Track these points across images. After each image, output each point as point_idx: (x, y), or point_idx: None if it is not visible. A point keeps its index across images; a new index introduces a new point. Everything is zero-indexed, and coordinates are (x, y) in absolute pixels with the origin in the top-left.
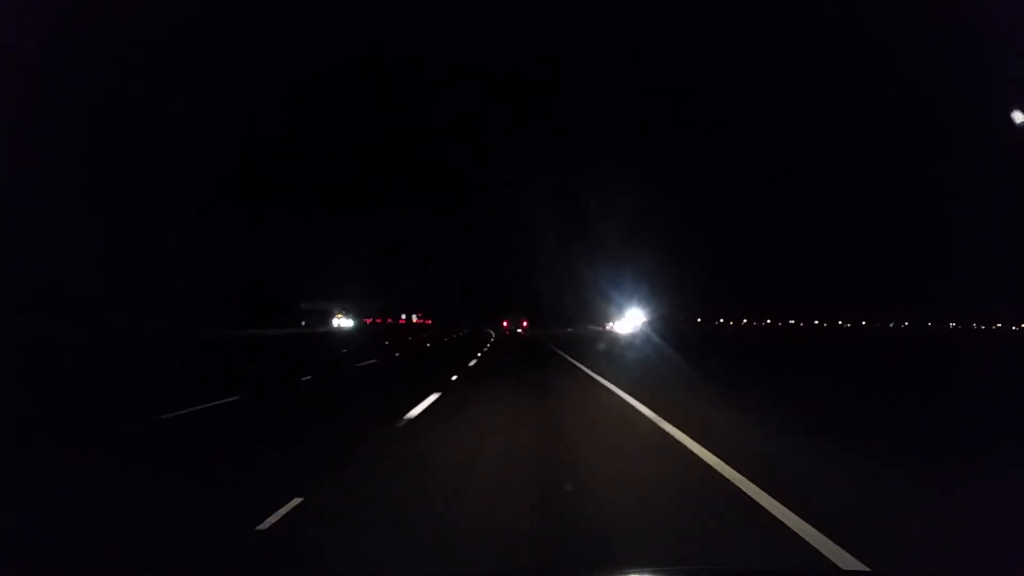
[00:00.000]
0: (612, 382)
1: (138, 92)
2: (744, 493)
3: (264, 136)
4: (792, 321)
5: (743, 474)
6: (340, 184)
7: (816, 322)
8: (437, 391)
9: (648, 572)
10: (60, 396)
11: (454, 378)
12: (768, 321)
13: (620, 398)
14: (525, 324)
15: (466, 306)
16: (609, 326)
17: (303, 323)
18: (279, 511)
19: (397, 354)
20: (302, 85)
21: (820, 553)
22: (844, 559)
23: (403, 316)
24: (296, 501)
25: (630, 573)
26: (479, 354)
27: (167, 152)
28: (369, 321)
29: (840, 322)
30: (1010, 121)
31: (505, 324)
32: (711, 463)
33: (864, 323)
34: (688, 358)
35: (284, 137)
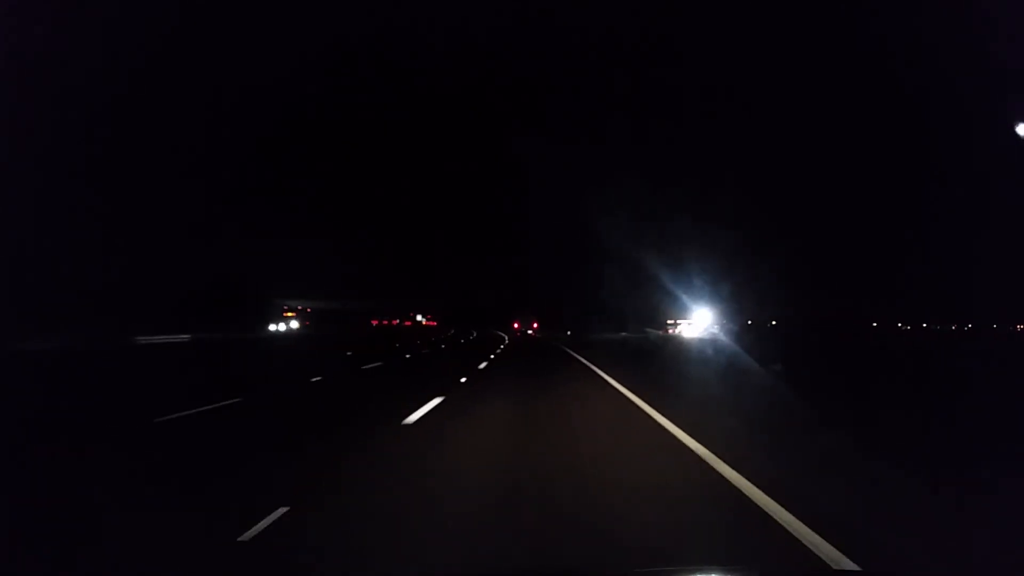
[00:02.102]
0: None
1: (130, 90)
2: None
3: (265, 136)
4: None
5: None
6: (344, 184)
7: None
8: None
9: (648, 572)
10: None
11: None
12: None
13: None
14: (536, 326)
15: (476, 307)
16: (673, 331)
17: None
18: None
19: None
20: (305, 86)
21: None
22: None
23: (414, 317)
24: None
25: (630, 573)
26: (463, 379)
27: (164, 152)
28: (376, 323)
29: (900, 324)
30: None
31: (516, 325)
32: None
33: (924, 324)
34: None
35: (286, 136)
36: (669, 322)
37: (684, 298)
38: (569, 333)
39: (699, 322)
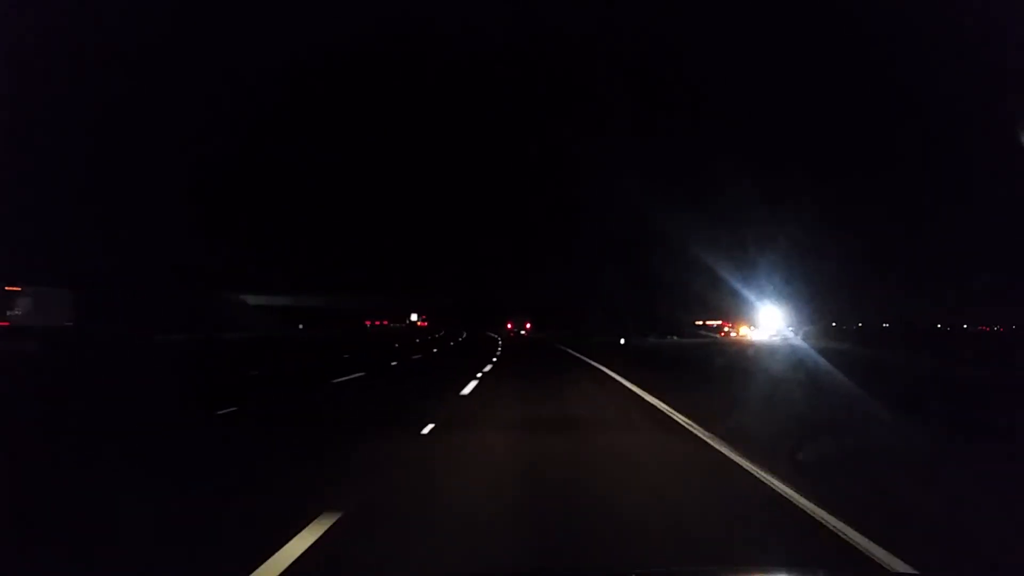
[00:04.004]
0: None
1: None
2: None
3: (263, 131)
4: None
5: None
6: (343, 178)
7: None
8: None
9: (648, 572)
10: None
11: None
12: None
13: None
14: (528, 326)
15: (469, 307)
16: (738, 332)
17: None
18: None
19: None
20: (296, 81)
21: None
22: None
23: (408, 317)
24: None
25: (630, 573)
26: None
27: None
28: (369, 323)
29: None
30: None
31: (509, 326)
32: None
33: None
34: None
35: (284, 132)
36: (697, 323)
37: (745, 294)
38: (623, 341)
39: (767, 324)
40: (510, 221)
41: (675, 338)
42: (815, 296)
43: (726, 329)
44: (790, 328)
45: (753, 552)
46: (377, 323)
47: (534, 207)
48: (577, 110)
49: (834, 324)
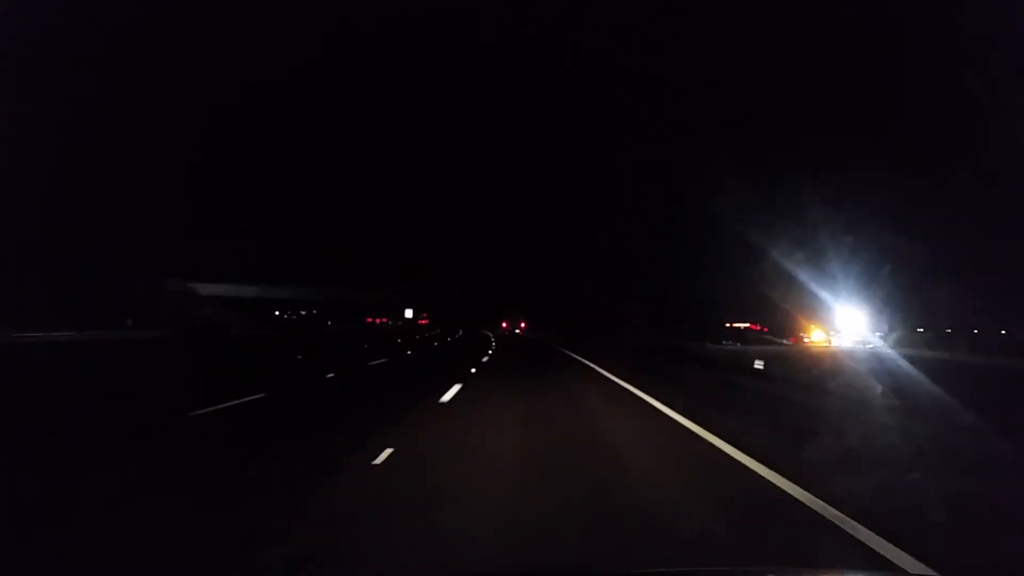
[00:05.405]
0: None
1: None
2: None
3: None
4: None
5: None
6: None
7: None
8: None
9: (648, 573)
10: None
11: None
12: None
13: None
14: (523, 325)
15: (463, 305)
16: (810, 337)
17: None
18: None
19: None
20: (290, 86)
21: None
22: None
23: (408, 314)
24: None
25: (631, 574)
26: None
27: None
28: (370, 320)
29: None
30: None
31: (504, 324)
32: None
33: None
34: None
35: (283, 134)
36: (726, 325)
37: (820, 295)
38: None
39: (849, 329)
40: (510, 221)
41: (739, 345)
42: (897, 298)
43: (800, 334)
44: (878, 334)
45: None
46: (378, 320)
47: (535, 209)
48: (579, 108)
49: (948, 330)
